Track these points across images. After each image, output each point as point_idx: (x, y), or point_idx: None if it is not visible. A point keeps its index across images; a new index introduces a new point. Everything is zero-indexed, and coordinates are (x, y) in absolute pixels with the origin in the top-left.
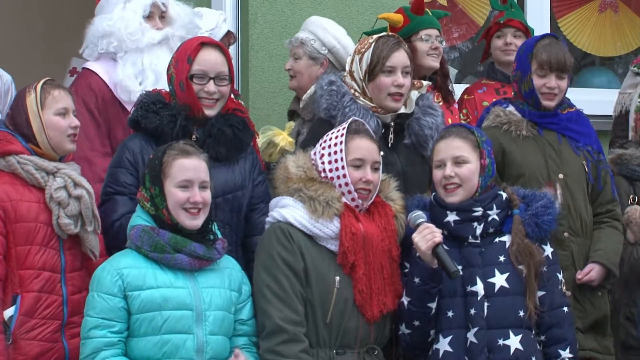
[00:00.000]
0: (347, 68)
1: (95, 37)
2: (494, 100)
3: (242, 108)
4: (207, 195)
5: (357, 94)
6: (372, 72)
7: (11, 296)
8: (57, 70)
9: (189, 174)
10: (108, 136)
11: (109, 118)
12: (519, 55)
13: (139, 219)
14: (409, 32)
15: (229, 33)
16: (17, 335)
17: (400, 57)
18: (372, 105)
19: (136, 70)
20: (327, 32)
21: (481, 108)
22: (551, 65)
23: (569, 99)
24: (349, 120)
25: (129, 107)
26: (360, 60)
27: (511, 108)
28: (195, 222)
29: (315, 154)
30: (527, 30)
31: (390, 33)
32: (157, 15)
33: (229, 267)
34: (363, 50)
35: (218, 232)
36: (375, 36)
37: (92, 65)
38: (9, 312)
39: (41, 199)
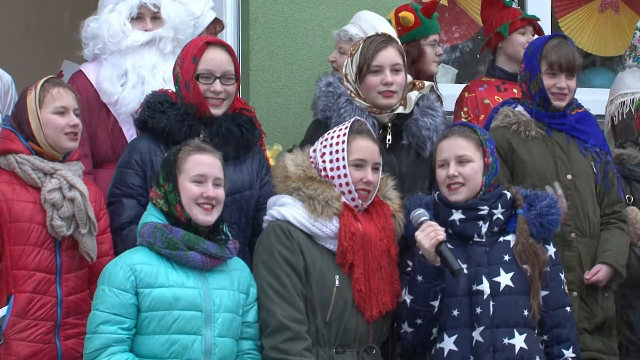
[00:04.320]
0: (343, 71)
1: (87, 38)
2: (496, 97)
3: (248, 107)
4: (221, 192)
5: (352, 95)
6: (361, 73)
7: (6, 296)
8: (57, 71)
9: (203, 169)
10: (89, 137)
11: (92, 119)
12: (527, 55)
13: (151, 217)
14: (419, 34)
15: (215, 20)
16: (8, 335)
17: (387, 55)
18: (368, 105)
19: (118, 72)
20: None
21: (482, 105)
22: (561, 66)
23: (577, 100)
24: (352, 120)
25: (112, 109)
26: (352, 62)
27: (520, 108)
28: (208, 217)
29: (315, 151)
30: (540, 31)
31: (379, 32)
32: (147, 17)
33: (239, 269)
34: (353, 52)
35: (229, 234)
36: (364, 37)
37: (85, 67)
38: (1, 312)
39: (38, 200)
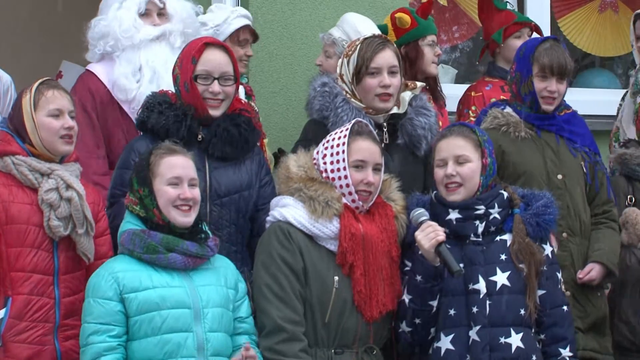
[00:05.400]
0: (337, 71)
1: (94, 39)
2: (502, 97)
3: (248, 108)
4: (197, 192)
5: (348, 95)
6: (359, 74)
7: (3, 298)
8: (56, 71)
9: (178, 171)
10: (105, 138)
11: (106, 120)
12: (519, 56)
13: (129, 224)
14: (416, 35)
15: (243, 28)
16: (7, 337)
17: (385, 57)
18: (363, 106)
19: (133, 67)
20: (359, 35)
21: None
22: (552, 70)
23: (564, 101)
24: (353, 121)
25: (127, 107)
26: (348, 63)
27: (509, 109)
28: (186, 219)
29: (317, 153)
30: (537, 30)
31: (376, 33)
32: (154, 13)
33: (224, 266)
34: (350, 53)
35: (209, 232)
36: (361, 38)
37: (92, 67)
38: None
39: (35, 201)
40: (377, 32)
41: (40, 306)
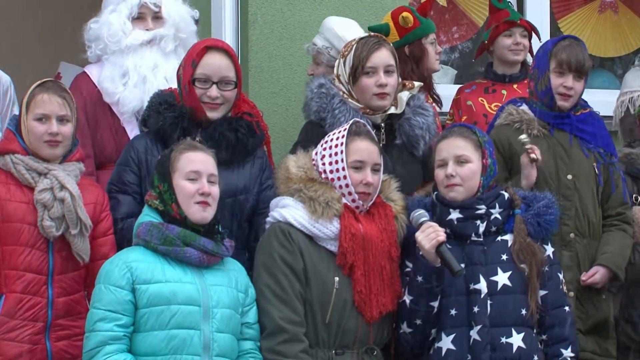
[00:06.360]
0: (335, 72)
1: (89, 41)
2: (480, 99)
3: (253, 111)
4: (216, 189)
5: (345, 96)
6: (355, 74)
7: None
8: (55, 72)
9: (197, 166)
10: (93, 138)
11: (96, 120)
12: (539, 53)
13: (147, 217)
14: (419, 34)
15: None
16: None
17: (380, 57)
18: (361, 106)
19: (119, 71)
20: (341, 41)
21: (465, 107)
22: (570, 65)
23: (584, 100)
24: (351, 122)
25: (115, 108)
26: (344, 63)
27: (524, 107)
28: (204, 214)
29: (316, 154)
30: (533, 30)
31: (372, 33)
32: (149, 16)
33: (235, 270)
34: (346, 53)
35: (225, 233)
36: (357, 38)
37: (88, 68)
38: None
39: (31, 200)
40: (359, 32)
41: (32, 305)
